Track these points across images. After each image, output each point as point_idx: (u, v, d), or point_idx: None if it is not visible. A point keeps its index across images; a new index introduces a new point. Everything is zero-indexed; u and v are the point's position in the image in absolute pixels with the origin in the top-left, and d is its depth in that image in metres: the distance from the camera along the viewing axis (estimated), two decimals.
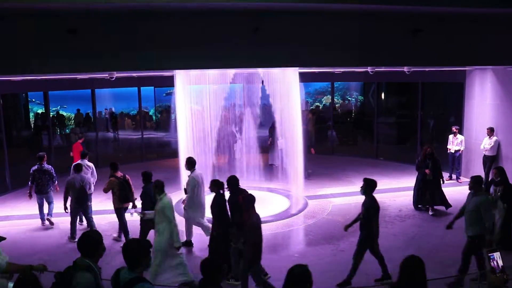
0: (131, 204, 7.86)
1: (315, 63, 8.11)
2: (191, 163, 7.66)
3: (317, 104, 20.73)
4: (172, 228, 6.05)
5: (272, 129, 12.08)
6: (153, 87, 15.68)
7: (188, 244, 7.64)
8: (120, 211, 7.77)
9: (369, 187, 6.16)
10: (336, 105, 19.27)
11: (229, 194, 6.42)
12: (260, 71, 9.92)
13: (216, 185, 6.39)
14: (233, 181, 6.44)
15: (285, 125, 9.98)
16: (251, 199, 5.66)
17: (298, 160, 9.80)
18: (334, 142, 16.26)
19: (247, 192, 6.27)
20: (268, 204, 9.89)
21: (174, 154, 11.52)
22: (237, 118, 11.46)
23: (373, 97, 16.32)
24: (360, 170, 12.96)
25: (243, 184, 10.74)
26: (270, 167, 12.50)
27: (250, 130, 11.30)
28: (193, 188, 7.49)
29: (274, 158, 12.28)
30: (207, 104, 9.90)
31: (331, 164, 14.04)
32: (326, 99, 22.44)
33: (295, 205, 9.85)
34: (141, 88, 14.97)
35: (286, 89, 9.67)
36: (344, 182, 11.84)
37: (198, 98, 9.96)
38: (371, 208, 6.05)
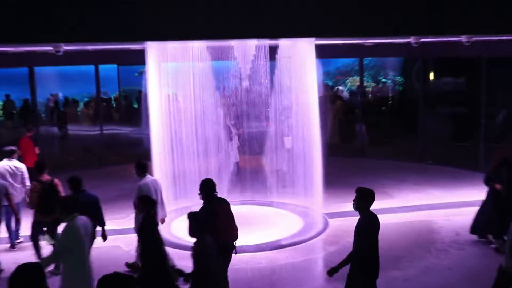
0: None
1: (335, 32, 8.10)
2: (140, 167, 7.74)
3: (339, 87, 20.69)
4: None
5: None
6: (116, 65, 15.63)
7: None
8: (37, 227, 7.76)
9: (363, 199, 5.84)
10: (367, 89, 19.20)
11: (202, 204, 6.43)
12: (260, 43, 9.97)
13: (145, 203, 6.14)
14: (207, 187, 6.41)
15: (297, 116, 9.87)
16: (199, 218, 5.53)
17: (314, 163, 9.78)
18: (364, 139, 16.24)
19: (226, 203, 6.36)
20: (274, 224, 9.84)
21: (146, 156, 11.46)
22: (232, 107, 11.39)
23: (417, 78, 16.18)
24: (400, 177, 12.88)
25: (240, 198, 11.16)
26: (278, 173, 12.46)
27: (252, 123, 11.26)
28: None
29: (282, 161, 12.22)
30: (191, 88, 9.89)
31: (360, 169, 13.98)
32: (352, 81, 22.42)
33: (312, 225, 9.79)
34: (100, 66, 15.03)
35: (298, 67, 9.68)
36: (378, 194, 11.48)
37: (178, 81, 9.91)
38: (363, 231, 5.72)
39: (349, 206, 10.69)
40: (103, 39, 7.57)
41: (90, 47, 11.85)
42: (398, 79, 20.86)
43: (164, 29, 7.13)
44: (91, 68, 14.90)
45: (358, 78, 17.40)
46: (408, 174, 13.24)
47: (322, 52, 9.92)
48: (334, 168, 12.42)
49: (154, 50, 9.51)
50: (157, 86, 9.63)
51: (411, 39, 9.48)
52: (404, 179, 12.73)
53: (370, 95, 18.86)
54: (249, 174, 11.21)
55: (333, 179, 11.91)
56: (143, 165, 7.83)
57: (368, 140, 16.43)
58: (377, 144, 16.50)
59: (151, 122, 9.65)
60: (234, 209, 9.70)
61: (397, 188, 11.99)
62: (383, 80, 21.78)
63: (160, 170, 9.61)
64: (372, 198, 5.88)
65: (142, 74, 15.41)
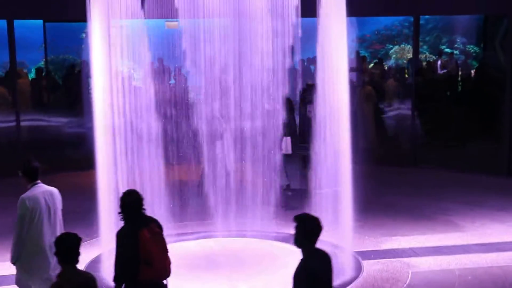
0: None
1: None
2: (29, 172, 7.92)
3: (376, 61, 20.84)
4: None
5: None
6: (41, 20, 15.73)
7: None
8: None
9: (303, 231, 5.99)
10: (423, 64, 19.34)
11: (123, 224, 6.70)
12: None
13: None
14: (130, 203, 6.67)
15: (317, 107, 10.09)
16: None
17: (341, 177, 9.97)
18: (418, 140, 16.37)
19: (157, 224, 6.66)
20: (284, 266, 9.78)
21: (87, 161, 11.62)
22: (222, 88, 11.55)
23: (504, 49, 16.26)
24: (473, 199, 12.97)
25: (234, 227, 11.32)
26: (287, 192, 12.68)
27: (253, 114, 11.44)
28: (23, 220, 7.69)
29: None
30: (147, 59, 10.17)
31: (411, 185, 14.12)
32: (400, 52, 22.47)
33: (337, 271, 9.80)
34: (15, 21, 15.06)
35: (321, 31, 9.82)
36: (438, 224, 11.94)
37: (135, 48, 10.05)
38: (296, 282, 5.86)
39: (394, 242, 10.88)
40: None
41: None
42: (472, 49, 21.01)
43: None
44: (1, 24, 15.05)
45: (408, 47, 17.51)
46: (485, 195, 13.33)
47: (354, 8, 10.04)
48: (372, 184, 12.56)
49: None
50: (102, 55, 9.69)
51: None
52: (479, 202, 12.80)
53: (427, 73, 18.95)
54: (248, 191, 11.31)
55: (369, 201, 12.06)
56: (32, 169, 7.93)
57: (423, 142, 16.59)
58: (438, 149, 16.61)
59: (96, 111, 9.72)
60: (226, 243, 9.87)
61: (468, 215, 12.10)
62: (447, 50, 21.82)
63: (107, 183, 9.70)
64: (315, 229, 5.99)
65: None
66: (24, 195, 7.73)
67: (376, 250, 10.70)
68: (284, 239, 10.98)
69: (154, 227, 6.65)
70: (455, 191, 13.69)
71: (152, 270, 6.52)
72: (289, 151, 11.87)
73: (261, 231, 11.17)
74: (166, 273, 6.73)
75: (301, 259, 5.89)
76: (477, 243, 10.81)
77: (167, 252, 6.75)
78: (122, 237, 6.62)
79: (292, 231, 6.13)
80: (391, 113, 19.09)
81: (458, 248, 10.55)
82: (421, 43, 19.01)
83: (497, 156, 15.36)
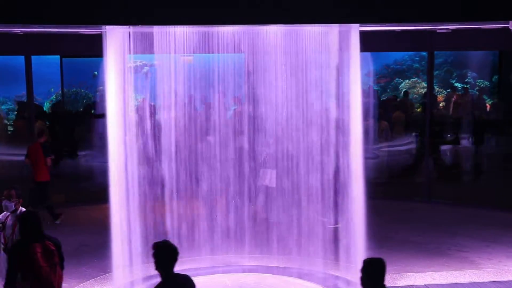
0: None
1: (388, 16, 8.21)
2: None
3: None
4: None
5: None
6: (58, 56, 15.89)
7: None
8: None
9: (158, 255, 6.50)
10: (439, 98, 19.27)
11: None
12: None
13: None
14: (29, 221, 7.28)
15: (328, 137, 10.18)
16: None
17: (354, 210, 9.95)
18: (431, 174, 16.32)
19: (55, 243, 7.21)
20: None
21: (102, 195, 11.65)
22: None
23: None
24: (489, 236, 12.90)
25: (242, 262, 11.29)
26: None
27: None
28: None
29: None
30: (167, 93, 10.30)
31: (425, 221, 14.06)
32: (412, 85, 22.56)
33: None
34: (33, 57, 15.20)
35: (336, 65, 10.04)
36: (454, 260, 11.81)
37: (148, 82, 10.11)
38: None
39: (410, 279, 10.75)
40: (43, 20, 7.81)
41: (18, 30, 12.06)
42: (482, 83, 20.99)
43: (131, 10, 7.41)
44: (18, 61, 15.16)
45: (419, 81, 17.54)
46: (502, 232, 13.23)
47: (372, 44, 10.09)
48: (386, 218, 12.49)
49: (115, 36, 9.66)
50: (117, 87, 9.77)
51: (510, 24, 9.58)
52: (496, 238, 12.70)
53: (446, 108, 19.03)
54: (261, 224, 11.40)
55: (384, 236, 12.10)
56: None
57: (436, 174, 16.51)
58: (452, 181, 16.54)
59: (109, 144, 9.74)
60: (235, 279, 9.79)
61: (485, 252, 11.96)
62: (457, 84, 21.88)
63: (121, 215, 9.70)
64: (169, 254, 6.53)
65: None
66: None
67: (392, 287, 10.55)
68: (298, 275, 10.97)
69: (50, 244, 7.13)
70: (471, 227, 13.61)
71: (39, 284, 7.00)
72: (273, 185, 11.81)
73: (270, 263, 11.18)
74: None
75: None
76: (494, 281, 10.65)
77: (57, 269, 7.19)
78: (14, 247, 7.33)
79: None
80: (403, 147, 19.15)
81: (474, 285, 10.42)
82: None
83: (463, 189, 15.31)
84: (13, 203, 8.35)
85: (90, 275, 10.87)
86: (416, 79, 22.60)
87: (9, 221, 8.40)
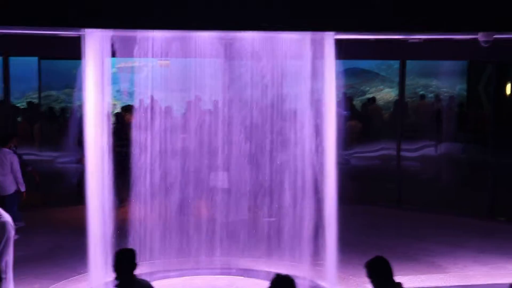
0: None
1: (367, 25, 8.40)
2: None
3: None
4: None
5: None
6: (37, 57, 15.81)
7: None
8: None
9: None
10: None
11: None
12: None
13: None
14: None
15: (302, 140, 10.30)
16: None
17: (326, 214, 9.99)
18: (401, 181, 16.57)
19: None
20: None
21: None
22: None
23: (487, 92, 16.40)
24: (456, 241, 13.02)
25: (212, 265, 11.26)
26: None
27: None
28: None
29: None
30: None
31: (395, 226, 14.16)
32: (378, 93, 22.81)
33: None
34: (10, 58, 15.28)
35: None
36: (422, 265, 11.92)
37: (127, 85, 10.11)
38: None
39: None
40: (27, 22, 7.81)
41: None
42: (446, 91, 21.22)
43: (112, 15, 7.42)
44: None
45: (383, 88, 17.74)
46: (468, 237, 13.36)
47: (346, 51, 10.15)
48: (356, 224, 12.62)
49: (94, 39, 9.62)
50: (95, 92, 9.74)
51: (479, 36, 9.68)
52: (462, 243, 12.82)
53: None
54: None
55: (353, 240, 12.06)
56: None
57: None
58: (422, 190, 16.72)
59: (87, 147, 9.70)
60: (206, 281, 9.75)
61: (451, 257, 12.08)
62: (421, 92, 22.15)
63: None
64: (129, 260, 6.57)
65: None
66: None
67: None
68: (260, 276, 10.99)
69: None
70: (439, 232, 13.75)
71: None
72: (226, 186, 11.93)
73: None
74: None
75: None
76: (459, 285, 10.78)
77: None
78: None
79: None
80: (375, 153, 19.30)
81: None
82: (394, 85, 19.21)
83: (478, 198, 15.39)
84: None
85: (63, 276, 10.84)
86: (381, 86, 22.89)
87: None
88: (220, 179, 11.89)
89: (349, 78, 21.71)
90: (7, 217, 8.17)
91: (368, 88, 23.57)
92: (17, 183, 12.82)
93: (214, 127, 11.54)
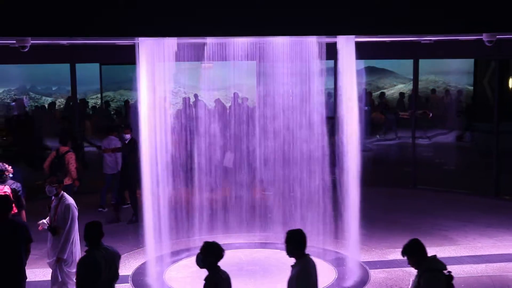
0: None
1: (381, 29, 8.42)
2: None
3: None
4: None
5: None
6: (98, 63, 15.96)
7: None
8: None
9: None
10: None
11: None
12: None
13: None
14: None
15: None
16: None
17: (349, 194, 9.96)
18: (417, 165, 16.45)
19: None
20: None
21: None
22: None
23: (491, 87, 16.22)
24: (466, 217, 12.97)
25: (254, 239, 11.45)
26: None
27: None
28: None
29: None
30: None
31: (411, 204, 14.12)
32: (392, 88, 22.78)
33: (345, 277, 9.87)
34: (77, 64, 15.31)
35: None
36: (436, 238, 11.86)
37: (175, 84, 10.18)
38: None
39: (398, 253, 10.79)
40: (86, 33, 7.94)
41: (65, 42, 12.17)
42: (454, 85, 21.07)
43: (163, 25, 7.51)
44: (63, 67, 15.29)
45: (399, 86, 17.64)
46: (476, 213, 13.30)
47: (364, 52, 10.16)
48: (376, 203, 12.59)
49: (147, 46, 9.71)
50: (148, 91, 9.82)
51: (484, 37, 9.60)
52: (471, 219, 12.77)
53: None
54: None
55: (375, 218, 12.15)
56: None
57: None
58: (435, 172, 16.63)
59: (142, 144, 9.81)
60: (250, 253, 9.85)
61: (461, 231, 12.06)
62: (432, 87, 22.01)
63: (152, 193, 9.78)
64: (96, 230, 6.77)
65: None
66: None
67: (382, 261, 10.64)
68: None
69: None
70: (452, 209, 13.68)
71: None
72: (231, 165, 12.09)
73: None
74: None
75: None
76: (469, 255, 10.77)
77: None
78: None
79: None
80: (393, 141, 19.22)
81: (452, 259, 10.48)
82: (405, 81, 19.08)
83: (486, 179, 15.23)
84: (54, 188, 8.52)
85: (125, 249, 10.97)
86: (395, 82, 22.83)
87: (53, 203, 8.60)
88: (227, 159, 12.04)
89: (366, 75, 21.69)
90: (70, 200, 8.51)
91: (382, 84, 23.42)
92: (117, 164, 13.45)
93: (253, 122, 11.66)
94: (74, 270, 8.16)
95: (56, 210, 8.44)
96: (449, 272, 6.32)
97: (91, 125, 17.97)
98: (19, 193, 9.51)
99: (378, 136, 19.00)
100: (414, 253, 6.49)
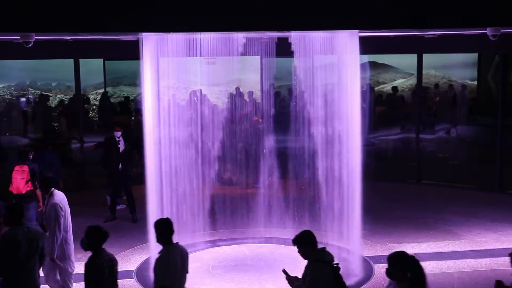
0: None
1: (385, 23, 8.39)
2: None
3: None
4: None
5: None
6: (102, 59, 15.97)
7: None
8: None
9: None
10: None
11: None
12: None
13: None
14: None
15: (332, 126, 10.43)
16: None
17: (352, 189, 9.99)
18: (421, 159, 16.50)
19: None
20: (299, 269, 9.89)
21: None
22: None
23: (495, 81, 16.22)
24: (470, 212, 13.00)
25: (256, 235, 11.50)
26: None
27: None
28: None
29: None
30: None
31: (416, 199, 14.16)
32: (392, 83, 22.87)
33: (349, 272, 9.79)
34: (80, 60, 15.37)
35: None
36: (440, 233, 11.91)
37: (179, 80, 10.21)
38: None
39: (401, 248, 10.82)
40: (91, 28, 7.97)
41: (68, 37, 12.19)
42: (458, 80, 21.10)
43: (166, 21, 7.53)
44: (66, 62, 15.40)
45: (400, 80, 17.69)
46: (480, 208, 13.32)
47: (368, 47, 10.17)
48: (379, 197, 12.65)
49: (151, 42, 9.75)
50: (151, 87, 9.84)
51: (488, 31, 9.59)
52: (475, 214, 12.81)
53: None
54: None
55: (379, 212, 12.19)
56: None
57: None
58: (438, 167, 16.61)
59: (146, 137, 9.86)
60: (253, 248, 9.83)
61: (465, 225, 12.10)
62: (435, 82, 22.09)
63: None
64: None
65: None
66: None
67: (386, 255, 10.55)
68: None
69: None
70: (456, 204, 13.69)
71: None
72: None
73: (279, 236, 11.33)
74: None
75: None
76: (473, 250, 10.83)
77: None
78: None
79: None
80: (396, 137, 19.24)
81: (457, 253, 10.59)
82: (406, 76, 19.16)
83: (490, 174, 15.26)
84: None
85: (129, 245, 11.11)
86: (395, 77, 23.00)
87: (46, 201, 8.57)
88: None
89: (365, 70, 21.78)
90: (57, 198, 8.43)
91: (383, 79, 23.47)
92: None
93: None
94: (70, 268, 8.42)
95: (46, 207, 8.44)
96: (337, 264, 6.38)
97: (66, 122, 18.02)
98: (36, 173, 10.58)
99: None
100: (306, 244, 6.52)
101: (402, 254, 6.10)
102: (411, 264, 6.03)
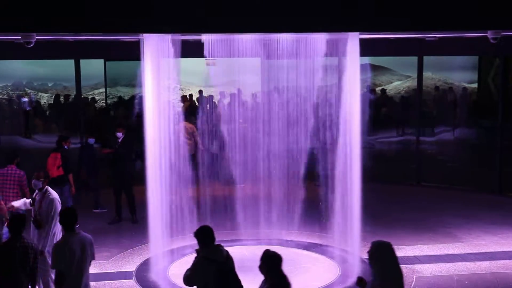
0: None
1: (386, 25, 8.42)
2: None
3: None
4: None
5: None
6: (102, 59, 15.98)
7: None
8: None
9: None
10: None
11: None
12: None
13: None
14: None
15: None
16: None
17: (351, 191, 9.98)
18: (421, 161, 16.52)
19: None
20: (299, 271, 9.93)
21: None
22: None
23: (495, 83, 16.25)
24: (470, 214, 13.02)
25: (253, 236, 11.45)
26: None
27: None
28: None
29: None
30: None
31: (415, 201, 14.19)
32: (388, 85, 22.87)
33: (348, 274, 9.88)
34: (81, 60, 15.34)
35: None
36: (439, 235, 11.93)
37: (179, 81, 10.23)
38: None
39: (401, 251, 10.85)
40: (92, 29, 7.96)
41: (69, 38, 12.21)
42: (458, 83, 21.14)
43: (166, 21, 7.54)
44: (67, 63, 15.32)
45: (396, 83, 17.74)
46: (480, 210, 13.37)
47: (368, 49, 10.18)
48: (379, 199, 12.68)
49: (152, 43, 9.74)
50: (152, 87, 9.83)
51: (489, 33, 9.62)
52: (474, 216, 12.83)
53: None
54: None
55: (379, 214, 12.22)
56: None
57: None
58: (439, 167, 16.66)
59: (147, 139, 9.86)
60: (250, 250, 9.84)
61: (465, 228, 12.12)
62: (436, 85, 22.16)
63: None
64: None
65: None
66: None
67: None
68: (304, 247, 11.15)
69: None
70: (455, 206, 13.74)
71: None
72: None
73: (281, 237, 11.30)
74: None
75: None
76: (472, 252, 10.83)
77: None
78: None
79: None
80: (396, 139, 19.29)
81: (456, 256, 10.61)
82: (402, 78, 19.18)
83: (489, 176, 15.34)
84: (40, 182, 8.60)
85: (129, 245, 11.14)
86: (392, 79, 23.01)
87: (38, 197, 8.66)
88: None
89: (364, 72, 21.81)
90: (54, 195, 8.63)
91: (379, 81, 23.53)
92: None
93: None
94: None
95: (41, 204, 8.53)
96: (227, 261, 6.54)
97: (42, 123, 18.02)
98: (68, 160, 12.00)
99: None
100: (198, 239, 6.61)
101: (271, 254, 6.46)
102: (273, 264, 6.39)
